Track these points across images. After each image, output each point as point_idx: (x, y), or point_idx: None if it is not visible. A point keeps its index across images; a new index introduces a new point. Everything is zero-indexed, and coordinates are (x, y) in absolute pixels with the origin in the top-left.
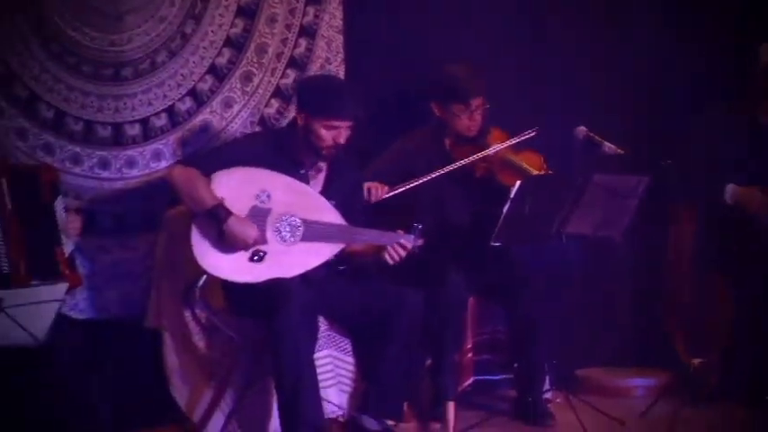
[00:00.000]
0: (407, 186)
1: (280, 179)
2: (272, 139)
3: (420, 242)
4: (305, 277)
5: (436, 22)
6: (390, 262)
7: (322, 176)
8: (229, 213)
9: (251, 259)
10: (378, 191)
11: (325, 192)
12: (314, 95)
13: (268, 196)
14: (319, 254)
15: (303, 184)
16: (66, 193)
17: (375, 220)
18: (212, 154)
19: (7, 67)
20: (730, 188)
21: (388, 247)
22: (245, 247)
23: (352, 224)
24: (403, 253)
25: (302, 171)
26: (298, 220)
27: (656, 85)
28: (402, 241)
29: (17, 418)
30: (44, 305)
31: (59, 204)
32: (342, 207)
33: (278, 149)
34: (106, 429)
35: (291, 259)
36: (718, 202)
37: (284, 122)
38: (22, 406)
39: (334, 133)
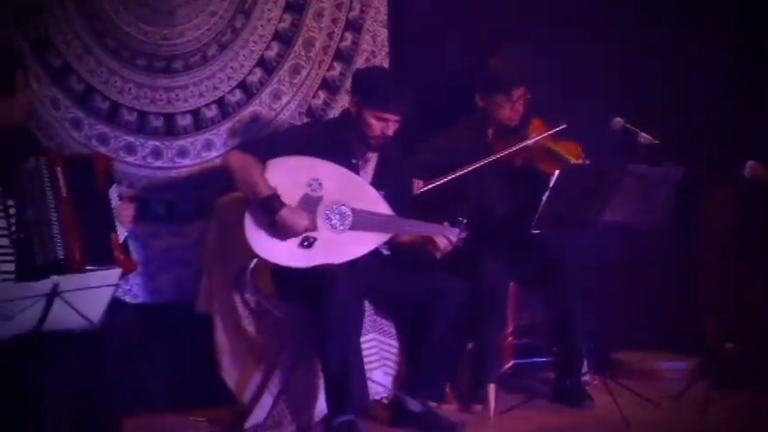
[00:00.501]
0: (443, 180)
1: (331, 168)
2: (324, 128)
3: (464, 234)
4: (352, 263)
5: (478, 15)
6: (437, 254)
7: (372, 167)
8: (282, 204)
9: (301, 245)
10: (417, 184)
11: (375, 182)
12: (368, 86)
13: (319, 185)
14: (367, 242)
15: (353, 174)
16: (121, 181)
17: (420, 211)
18: (267, 142)
19: (64, 61)
20: (750, 163)
21: (434, 239)
22: (296, 236)
23: (400, 215)
24: (448, 245)
25: (353, 161)
26: (347, 208)
27: (689, 77)
28: (447, 234)
29: (74, 401)
30: (99, 290)
31: (114, 192)
32: (390, 198)
33: (330, 139)
34: (159, 411)
35: (340, 246)
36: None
37: (331, 113)
38: (78, 389)
39: (383, 125)
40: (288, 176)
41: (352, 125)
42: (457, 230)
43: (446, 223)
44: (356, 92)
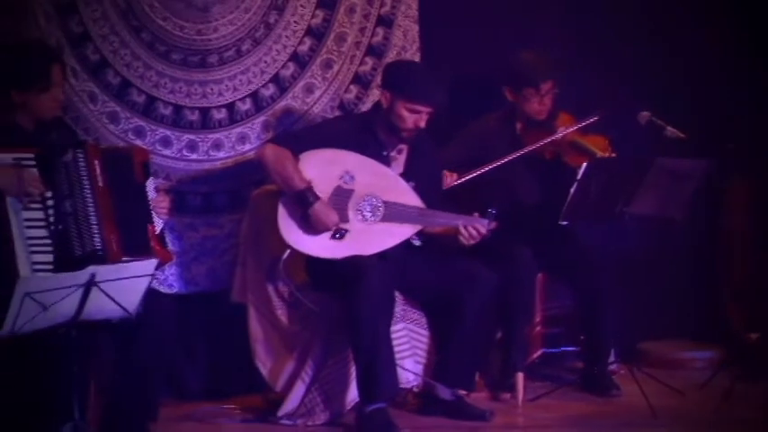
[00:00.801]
0: (475, 173)
1: (363, 161)
2: (356, 121)
3: (494, 225)
4: (383, 254)
5: (507, 10)
6: (466, 244)
7: (403, 159)
8: (317, 198)
9: (333, 237)
10: (447, 178)
11: (406, 174)
12: (401, 78)
13: (351, 177)
14: (398, 234)
15: (385, 167)
16: (157, 174)
17: (450, 203)
18: (301, 134)
19: (100, 56)
20: None
21: (464, 230)
22: (327, 230)
23: (431, 206)
24: (478, 236)
25: (384, 153)
26: (379, 201)
27: (715, 73)
28: (477, 225)
29: (111, 388)
30: (135, 280)
31: (150, 185)
32: (421, 189)
33: (362, 131)
34: (194, 399)
35: (371, 238)
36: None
37: (362, 107)
38: (115, 377)
39: (415, 117)
40: (321, 169)
41: (384, 118)
42: (486, 221)
43: (476, 214)
44: (388, 84)
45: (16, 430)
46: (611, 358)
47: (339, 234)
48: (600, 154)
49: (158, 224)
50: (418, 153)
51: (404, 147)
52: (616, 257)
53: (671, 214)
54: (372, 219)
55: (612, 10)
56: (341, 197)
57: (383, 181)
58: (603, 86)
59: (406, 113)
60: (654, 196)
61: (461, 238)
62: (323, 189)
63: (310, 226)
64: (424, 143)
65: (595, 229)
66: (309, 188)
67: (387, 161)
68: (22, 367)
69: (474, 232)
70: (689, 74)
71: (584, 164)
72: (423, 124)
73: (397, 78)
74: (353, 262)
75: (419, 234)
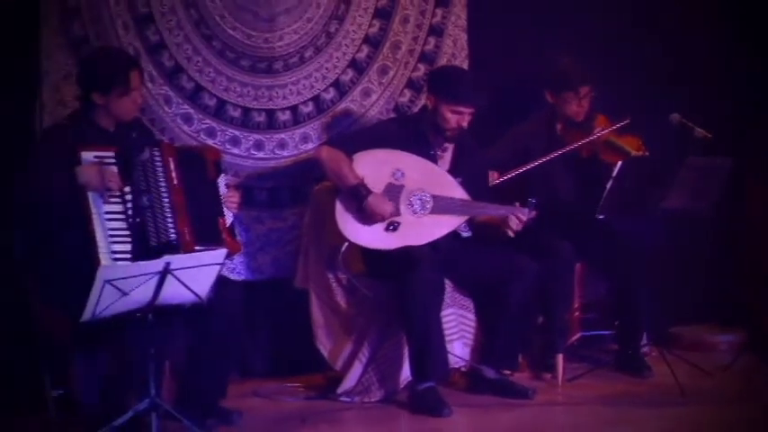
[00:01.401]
0: (520, 170)
1: (412, 159)
2: (405, 123)
3: (534, 214)
4: (433, 245)
5: (547, 20)
6: (509, 232)
7: (449, 156)
8: (369, 191)
9: (386, 229)
10: (491, 177)
11: (452, 170)
12: (443, 83)
13: (402, 174)
14: (446, 225)
15: (432, 164)
16: (226, 171)
17: (495, 197)
18: (354, 136)
19: (175, 62)
20: None
21: (507, 219)
22: (382, 221)
23: (475, 198)
24: (520, 224)
25: (431, 152)
26: (427, 195)
27: (738, 76)
28: (518, 214)
29: (185, 368)
30: (206, 268)
31: (222, 181)
32: (466, 184)
33: (411, 132)
34: (261, 377)
35: (421, 229)
36: None
37: (415, 110)
38: (188, 357)
39: (458, 117)
40: (373, 167)
41: (430, 119)
42: (527, 210)
43: (517, 204)
44: (432, 89)
45: (100, 405)
46: (644, 341)
47: (392, 227)
48: (634, 153)
49: (229, 217)
50: (463, 151)
51: (449, 145)
52: (649, 248)
53: (699, 208)
54: (422, 212)
55: (644, 17)
56: (392, 193)
57: (431, 177)
58: (637, 88)
59: (449, 114)
60: (683, 191)
61: (504, 226)
62: (376, 186)
63: (366, 218)
64: (467, 142)
65: (630, 222)
66: (362, 183)
67: (434, 159)
68: (105, 349)
69: (515, 221)
70: (714, 77)
71: (620, 162)
72: (465, 124)
73: (440, 83)
74: (406, 252)
75: (467, 225)
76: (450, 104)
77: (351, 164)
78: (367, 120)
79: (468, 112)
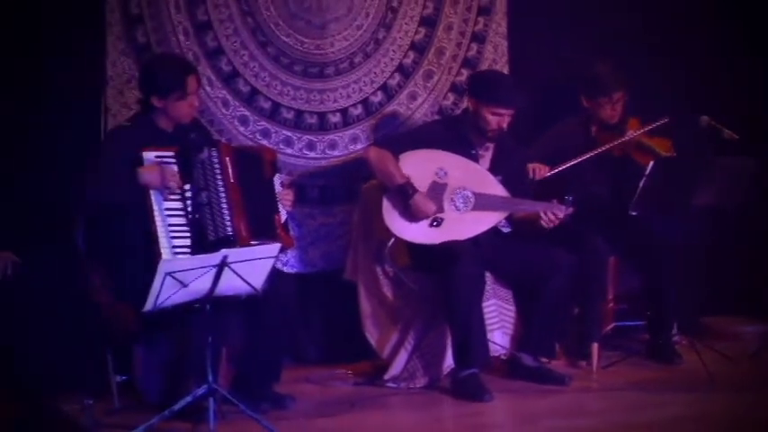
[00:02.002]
0: (565, 166)
1: (454, 158)
2: (448, 124)
3: (570, 210)
4: (475, 240)
5: (582, 26)
6: (546, 227)
7: (489, 156)
8: (415, 190)
9: (431, 225)
10: (541, 170)
11: (492, 169)
12: (484, 86)
13: (445, 173)
14: (487, 221)
15: (474, 163)
16: (281, 170)
17: (536, 193)
18: (400, 137)
19: (232, 67)
20: None
21: (545, 215)
22: (426, 218)
23: (515, 196)
24: (557, 220)
25: (473, 151)
26: (469, 193)
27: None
28: (556, 210)
29: (242, 354)
30: (261, 261)
31: (278, 180)
32: (506, 181)
33: (453, 133)
34: (313, 364)
35: (464, 225)
36: None
37: (458, 112)
38: (244, 344)
39: (498, 119)
40: (418, 166)
41: (472, 121)
42: (564, 207)
43: (555, 201)
44: (473, 92)
45: (160, 391)
46: (674, 331)
47: (436, 222)
48: (664, 154)
49: (283, 214)
50: (503, 150)
51: (490, 146)
52: (679, 243)
53: (726, 205)
54: (464, 208)
55: (674, 23)
56: (436, 191)
57: (473, 175)
58: (668, 90)
59: (489, 116)
60: (711, 190)
61: (542, 221)
62: (420, 184)
63: (411, 215)
64: (507, 142)
65: (661, 218)
66: (408, 182)
67: (475, 158)
68: (165, 337)
69: (552, 216)
70: (742, 81)
71: (651, 162)
72: (505, 125)
73: (481, 86)
74: (449, 247)
75: (508, 221)
76: (490, 107)
77: (397, 163)
78: (412, 122)
79: (507, 113)
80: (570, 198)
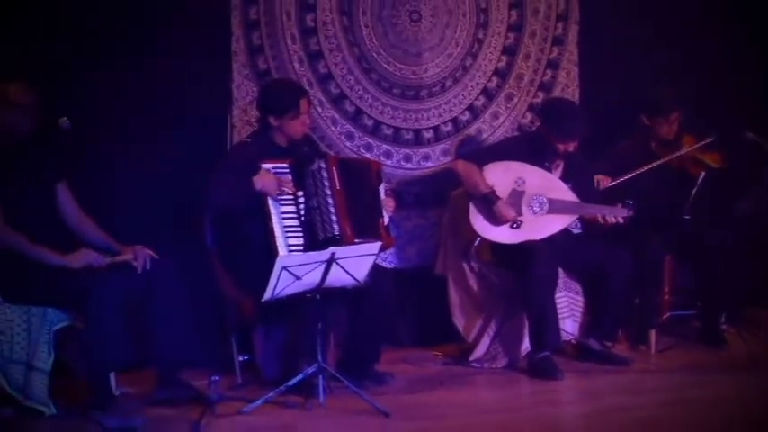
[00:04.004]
0: (625, 177)
1: (531, 169)
2: (526, 140)
3: (631, 213)
4: (549, 239)
5: (643, 55)
6: (606, 225)
7: (561, 167)
8: (498, 198)
9: (511, 227)
10: (604, 181)
11: (564, 178)
12: (552, 118)
13: (523, 182)
14: (559, 222)
15: (548, 173)
16: (384, 179)
17: (601, 200)
18: (484, 151)
19: (340, 90)
20: None
21: (608, 217)
22: (506, 223)
23: (583, 201)
24: (620, 220)
25: (546, 164)
26: (545, 198)
27: None
28: (617, 213)
29: (347, 337)
30: (364, 257)
31: (382, 188)
32: (575, 189)
33: (530, 148)
34: (408, 346)
35: (540, 227)
36: None
37: (534, 129)
38: (350, 329)
39: (565, 146)
40: (500, 176)
41: (545, 139)
42: (625, 211)
43: (618, 205)
44: (544, 120)
45: (276, 369)
46: (722, 320)
47: (516, 224)
48: (715, 166)
49: (386, 218)
50: (572, 162)
51: (561, 162)
52: (727, 244)
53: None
54: (540, 212)
55: (725, 47)
56: (516, 197)
57: (547, 183)
58: (722, 108)
59: (557, 144)
60: (757, 197)
61: (605, 223)
62: (502, 191)
63: (494, 219)
64: (576, 158)
65: (711, 220)
66: (492, 192)
67: (548, 169)
68: (281, 323)
69: (613, 219)
70: None
71: (702, 173)
72: (571, 149)
73: (550, 116)
74: (527, 245)
75: (579, 222)
76: (556, 137)
77: (482, 174)
78: (495, 138)
79: (572, 143)
80: (631, 203)
